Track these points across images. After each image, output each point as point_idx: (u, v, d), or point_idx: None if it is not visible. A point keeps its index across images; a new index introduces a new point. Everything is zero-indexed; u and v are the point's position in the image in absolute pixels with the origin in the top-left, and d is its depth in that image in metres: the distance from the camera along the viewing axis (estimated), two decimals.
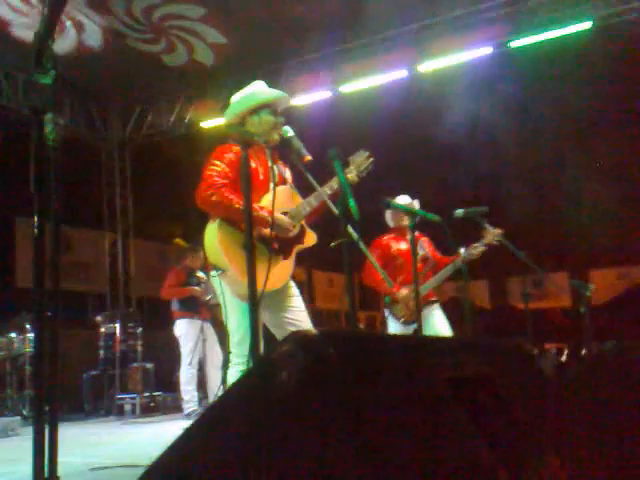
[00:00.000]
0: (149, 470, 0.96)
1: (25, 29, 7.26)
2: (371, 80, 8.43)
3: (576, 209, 11.27)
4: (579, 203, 11.02)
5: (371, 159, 3.58)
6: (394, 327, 5.00)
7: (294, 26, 7.69)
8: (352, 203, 3.02)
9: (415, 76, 8.17)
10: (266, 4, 7.35)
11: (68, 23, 7.47)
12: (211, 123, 9.34)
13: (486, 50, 7.82)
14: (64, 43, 7.69)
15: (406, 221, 4.67)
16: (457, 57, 7.94)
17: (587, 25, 7.28)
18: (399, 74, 8.28)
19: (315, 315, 13.00)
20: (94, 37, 7.82)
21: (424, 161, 9.99)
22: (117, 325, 7.97)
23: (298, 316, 3.45)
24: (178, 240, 7.49)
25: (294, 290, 3.53)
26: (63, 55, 7.66)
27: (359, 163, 3.55)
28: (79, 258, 9.90)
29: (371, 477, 0.84)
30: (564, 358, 10.74)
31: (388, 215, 5.07)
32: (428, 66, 8.09)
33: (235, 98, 3.58)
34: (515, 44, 7.62)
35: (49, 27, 1.90)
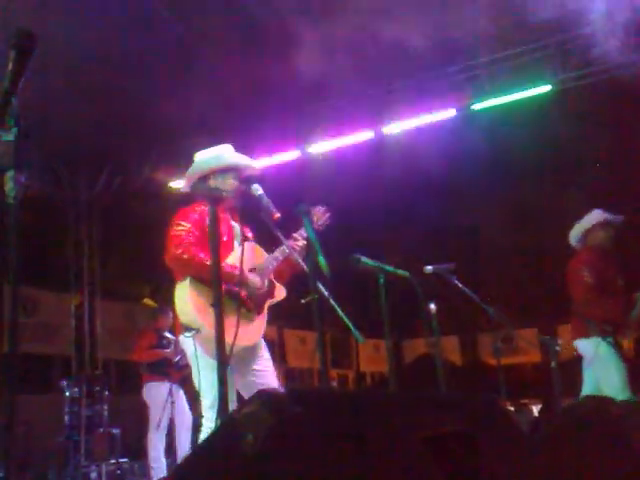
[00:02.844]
0: None
1: None
2: (338, 141, 8.60)
3: (542, 265, 11.45)
4: (544, 259, 11.20)
5: (328, 214, 3.64)
6: None
7: (260, 88, 7.82)
8: (321, 259, 3.02)
9: (382, 137, 8.36)
10: (228, 66, 7.48)
11: None
12: (181, 183, 9.34)
13: (449, 112, 8.06)
14: None
15: None
16: (421, 119, 8.16)
17: (546, 88, 7.56)
18: (365, 135, 8.46)
19: (287, 374, 12.80)
20: None
21: (392, 219, 10.10)
22: (82, 389, 7.72)
23: (266, 379, 3.41)
24: (146, 300, 7.40)
25: (264, 351, 3.49)
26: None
27: (317, 217, 3.60)
28: (44, 320, 9.66)
29: None
30: (537, 414, 10.70)
31: None
32: (393, 128, 8.29)
33: (200, 156, 3.60)
34: (477, 106, 7.88)
35: (13, 83, 1.89)
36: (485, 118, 8.01)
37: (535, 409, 11.21)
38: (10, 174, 1.81)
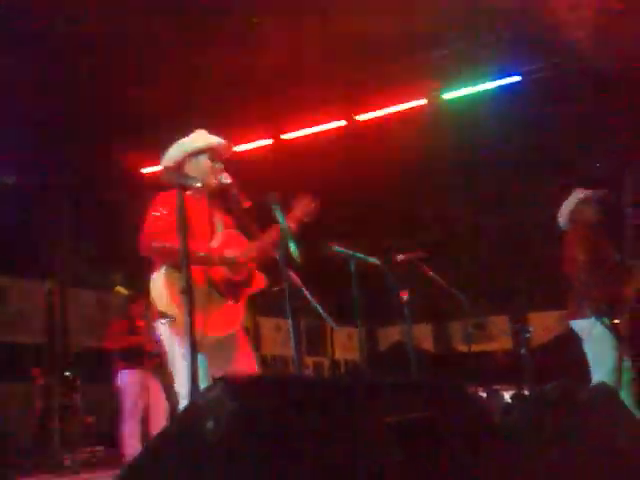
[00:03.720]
0: None
1: None
2: (311, 129, 8.60)
3: (514, 253, 11.58)
4: (517, 248, 11.34)
5: (314, 204, 3.61)
6: None
7: (235, 77, 7.77)
8: (293, 247, 3.03)
9: (353, 125, 8.38)
10: (207, 54, 7.42)
11: None
12: (151, 169, 9.27)
13: (420, 101, 8.11)
14: None
15: None
16: (393, 108, 8.21)
17: (516, 78, 7.64)
18: (338, 123, 8.48)
19: (262, 361, 12.80)
20: None
21: (366, 206, 10.13)
22: (55, 378, 7.68)
23: (246, 367, 3.38)
24: (119, 288, 7.33)
25: (243, 339, 3.47)
26: None
27: (303, 207, 3.57)
28: (15, 308, 9.55)
29: None
30: (508, 399, 10.86)
31: None
32: (366, 117, 8.32)
33: (175, 144, 3.58)
34: (448, 96, 7.94)
35: None
36: (456, 107, 8.05)
37: (507, 395, 11.36)
38: None
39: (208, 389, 0.88)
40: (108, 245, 9.79)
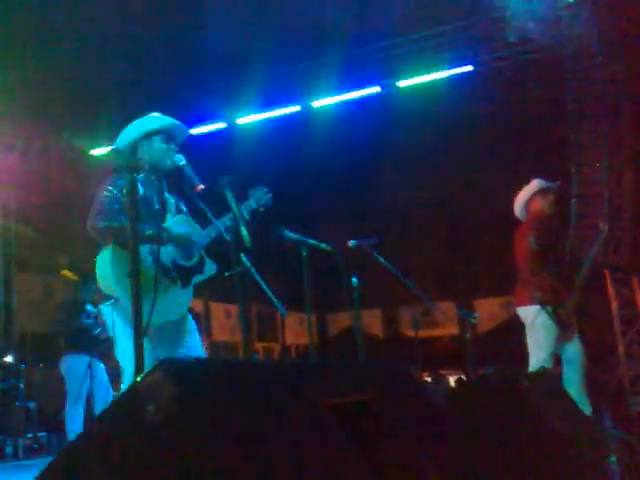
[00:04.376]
0: None
1: None
2: (266, 113, 8.56)
3: (460, 241, 11.79)
4: (465, 236, 11.55)
5: (269, 195, 3.60)
6: None
7: (191, 56, 7.67)
8: (244, 232, 3.02)
9: (310, 110, 8.37)
10: (164, 36, 7.30)
11: None
12: (101, 150, 9.10)
13: (374, 89, 8.15)
14: None
15: None
16: (347, 95, 8.23)
17: (468, 68, 7.75)
18: (293, 108, 8.46)
19: (212, 348, 12.74)
20: None
21: (318, 192, 10.16)
22: None
23: (194, 352, 3.37)
24: (65, 272, 7.17)
25: (191, 324, 3.45)
26: None
27: (258, 198, 3.56)
28: None
29: None
30: (453, 384, 11.09)
31: None
32: (321, 102, 8.33)
33: (128, 126, 3.51)
34: (402, 84, 8.00)
35: None
36: (409, 95, 8.12)
37: (452, 379, 11.61)
38: None
39: (149, 372, 0.87)
40: (54, 228, 9.56)
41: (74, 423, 6.63)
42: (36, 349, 9.71)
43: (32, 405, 7.35)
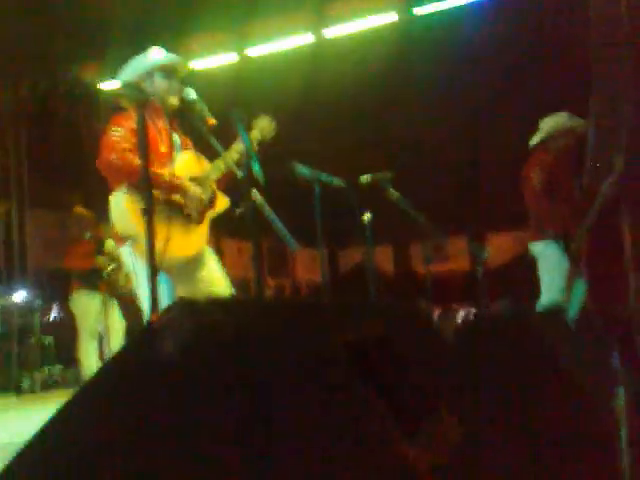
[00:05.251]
0: (14, 462, 0.90)
1: None
2: (278, 44, 8.35)
3: (475, 174, 11.67)
4: (478, 168, 11.41)
5: (274, 124, 3.54)
6: None
7: None
8: (257, 167, 2.99)
9: (321, 41, 8.16)
10: None
11: None
12: (109, 85, 8.99)
13: (391, 17, 7.88)
14: None
15: None
16: (362, 23, 7.98)
17: None
18: (305, 38, 8.24)
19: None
20: None
21: (331, 125, 10.00)
22: (13, 298, 7.61)
23: (213, 285, 3.38)
24: (78, 209, 7.19)
25: (210, 258, 3.45)
26: None
27: (262, 127, 3.51)
28: None
29: (262, 447, 0.83)
30: (460, 318, 11.21)
31: None
32: (334, 32, 8.10)
33: (128, 64, 3.45)
34: (419, 11, 7.73)
35: None
36: (427, 24, 7.87)
37: (461, 312, 11.73)
38: None
39: (166, 310, 0.86)
40: (66, 165, 9.54)
41: (87, 357, 6.81)
42: (51, 285, 9.86)
43: (48, 340, 7.51)
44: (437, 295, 9.23)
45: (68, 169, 9.80)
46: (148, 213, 2.50)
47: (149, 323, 0.86)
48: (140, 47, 3.53)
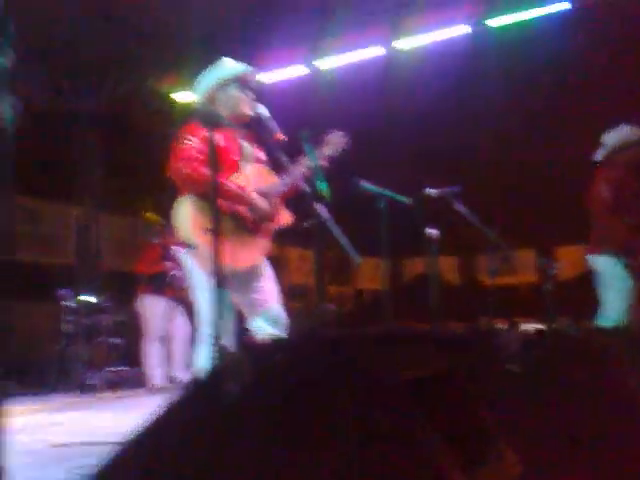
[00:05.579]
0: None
1: None
2: (348, 56, 8.37)
3: (544, 186, 11.38)
4: (546, 181, 11.13)
5: (346, 139, 3.56)
6: None
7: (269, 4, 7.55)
8: (324, 185, 3.01)
9: (392, 53, 8.13)
10: None
11: None
12: (182, 94, 9.21)
13: (464, 29, 7.81)
14: None
15: None
16: (434, 35, 7.92)
17: (566, 5, 7.28)
18: (377, 51, 8.22)
19: (287, 291, 12.94)
20: None
21: (400, 138, 9.95)
22: (84, 299, 7.85)
23: (266, 295, 3.43)
24: (149, 214, 7.39)
25: (266, 270, 3.51)
26: None
27: (333, 142, 3.53)
28: (47, 230, 9.72)
29: None
30: (524, 329, 10.90)
31: None
32: (405, 43, 8.05)
33: (202, 76, 3.53)
34: (492, 23, 7.62)
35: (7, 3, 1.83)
36: (499, 37, 7.72)
37: (527, 327, 11.41)
38: (5, 100, 1.77)
39: (230, 354, 0.88)
40: (140, 171, 9.83)
41: (151, 360, 6.99)
42: (120, 287, 10.16)
43: (115, 341, 7.70)
44: (502, 308, 9.03)
45: (141, 175, 10.09)
46: (214, 231, 2.55)
47: (214, 366, 0.89)
48: (213, 59, 3.60)
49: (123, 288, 8.73)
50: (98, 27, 8.19)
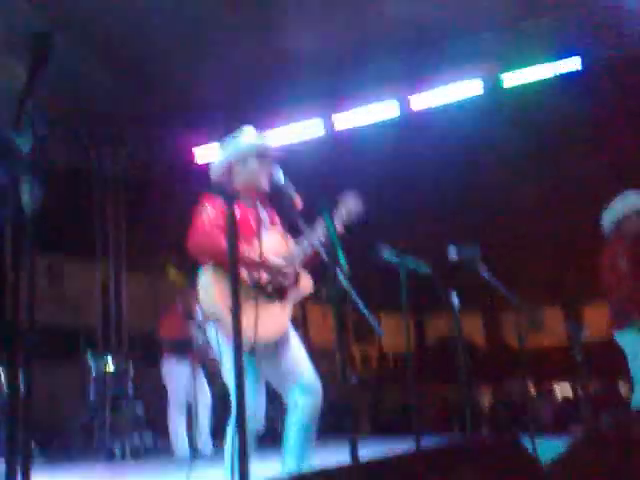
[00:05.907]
0: None
1: None
2: (364, 117, 8.47)
3: (571, 243, 11.24)
4: (573, 237, 11.00)
5: (361, 203, 3.53)
6: None
7: (285, 60, 7.70)
8: (341, 256, 2.97)
9: (407, 112, 8.21)
10: (254, 37, 7.36)
11: None
12: (204, 149, 9.35)
13: (477, 89, 7.89)
14: None
15: None
16: (449, 92, 8.01)
17: (577, 60, 7.33)
18: (391, 111, 8.31)
19: (309, 350, 12.79)
20: None
21: (414, 199, 9.96)
22: (107, 363, 7.81)
23: (298, 365, 3.35)
24: (172, 273, 7.39)
25: (293, 336, 3.44)
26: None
27: (349, 207, 3.50)
28: (70, 290, 9.76)
29: None
30: (561, 398, 10.58)
31: None
32: (421, 100, 8.13)
33: (222, 146, 3.56)
34: (507, 84, 7.68)
35: (29, 87, 1.86)
36: (514, 96, 7.79)
37: (559, 392, 11.09)
38: (26, 183, 1.79)
39: None
40: (162, 229, 9.92)
41: (176, 425, 6.86)
42: (143, 347, 10.11)
43: (139, 407, 7.60)
44: (532, 370, 8.80)
45: (163, 233, 10.17)
46: (235, 309, 2.50)
47: None
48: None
49: (147, 350, 8.69)
50: (122, 90, 8.40)
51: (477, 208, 10.48)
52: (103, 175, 10.45)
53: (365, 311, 3.49)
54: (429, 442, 2.90)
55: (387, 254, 3.66)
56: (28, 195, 1.80)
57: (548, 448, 4.96)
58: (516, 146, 8.35)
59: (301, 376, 3.32)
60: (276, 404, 3.66)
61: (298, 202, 3.33)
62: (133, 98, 8.73)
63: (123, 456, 7.16)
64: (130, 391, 7.72)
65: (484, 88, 7.93)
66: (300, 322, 12.50)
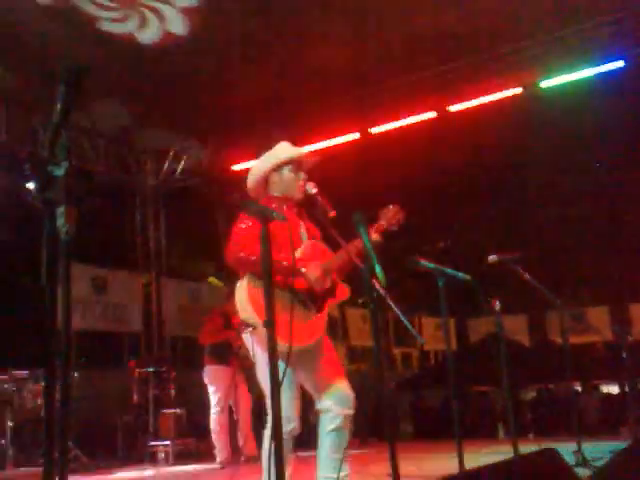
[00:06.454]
0: None
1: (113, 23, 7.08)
2: (400, 121, 8.39)
3: (616, 241, 11.01)
4: (618, 236, 10.78)
5: (401, 213, 3.51)
6: None
7: (319, 70, 7.71)
8: (378, 269, 2.95)
9: (444, 117, 8.11)
10: (291, 51, 7.38)
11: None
12: (242, 166, 9.40)
13: (516, 90, 7.73)
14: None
15: None
16: (486, 98, 7.88)
17: (619, 64, 7.14)
18: (428, 115, 8.23)
19: (349, 352, 12.81)
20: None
21: (454, 202, 9.86)
22: (150, 369, 7.92)
23: (332, 374, 3.37)
24: (212, 279, 7.46)
25: (327, 344, 3.45)
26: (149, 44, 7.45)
27: (389, 217, 3.49)
28: (114, 299, 9.92)
29: None
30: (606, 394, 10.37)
31: None
32: (458, 107, 8.02)
33: (258, 157, 3.59)
34: (545, 84, 7.52)
35: (63, 117, 1.88)
36: (553, 96, 7.62)
37: (605, 389, 10.88)
38: (61, 210, 1.81)
39: None
40: (201, 238, 10.03)
41: (218, 431, 6.90)
42: (185, 353, 10.22)
43: (181, 411, 7.68)
44: (577, 368, 8.65)
45: (202, 242, 10.29)
46: (270, 324, 2.50)
47: None
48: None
49: (188, 354, 8.79)
50: (163, 106, 8.52)
51: (520, 212, 10.35)
52: (144, 188, 10.63)
53: (405, 320, 3.46)
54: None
55: (424, 264, 3.62)
56: (63, 221, 1.82)
57: (595, 452, 4.87)
58: (556, 146, 8.20)
59: (334, 386, 3.35)
60: (312, 407, 3.68)
61: (332, 212, 3.34)
62: (173, 114, 8.86)
63: (166, 459, 7.26)
64: (172, 396, 7.81)
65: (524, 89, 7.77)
66: (340, 325, 12.50)
